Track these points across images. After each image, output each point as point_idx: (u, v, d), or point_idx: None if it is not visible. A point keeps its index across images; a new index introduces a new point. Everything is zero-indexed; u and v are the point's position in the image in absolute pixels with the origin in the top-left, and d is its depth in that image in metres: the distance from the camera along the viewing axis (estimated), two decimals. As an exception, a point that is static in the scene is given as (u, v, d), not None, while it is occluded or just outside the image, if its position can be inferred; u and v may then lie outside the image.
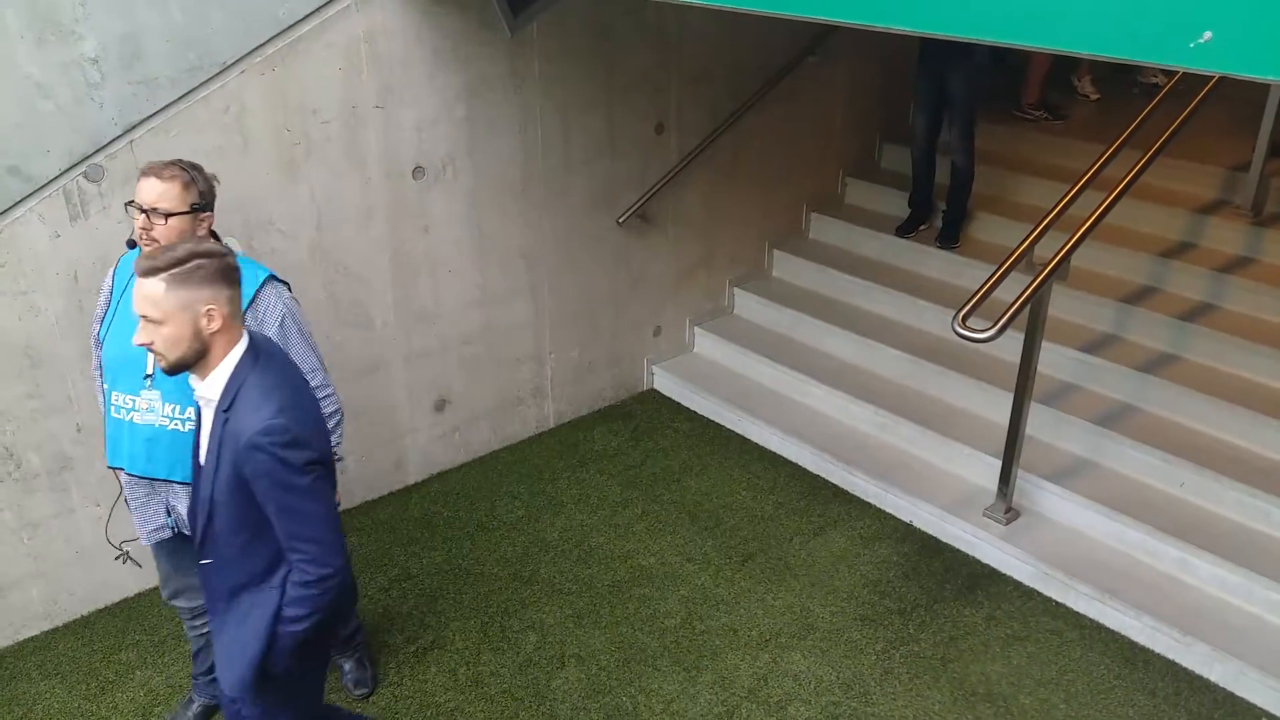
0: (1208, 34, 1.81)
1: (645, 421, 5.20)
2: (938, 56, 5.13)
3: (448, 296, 4.43)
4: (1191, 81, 4.01)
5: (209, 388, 2.28)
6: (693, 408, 5.31)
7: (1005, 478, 4.12)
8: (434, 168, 4.18)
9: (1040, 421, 4.37)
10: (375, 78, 3.89)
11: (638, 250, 5.15)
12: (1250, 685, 3.46)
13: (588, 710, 3.43)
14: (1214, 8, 1.80)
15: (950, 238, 5.35)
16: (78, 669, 3.61)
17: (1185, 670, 3.59)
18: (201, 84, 3.51)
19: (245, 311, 2.71)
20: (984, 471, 4.36)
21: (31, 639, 3.74)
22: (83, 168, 3.37)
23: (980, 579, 4.06)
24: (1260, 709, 3.43)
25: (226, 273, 2.22)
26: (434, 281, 4.36)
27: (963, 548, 4.22)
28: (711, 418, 5.22)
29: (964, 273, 5.22)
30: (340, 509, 4.37)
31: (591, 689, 3.52)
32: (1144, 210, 5.08)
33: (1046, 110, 6.15)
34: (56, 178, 3.34)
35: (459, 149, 4.23)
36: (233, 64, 3.56)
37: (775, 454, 4.89)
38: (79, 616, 3.84)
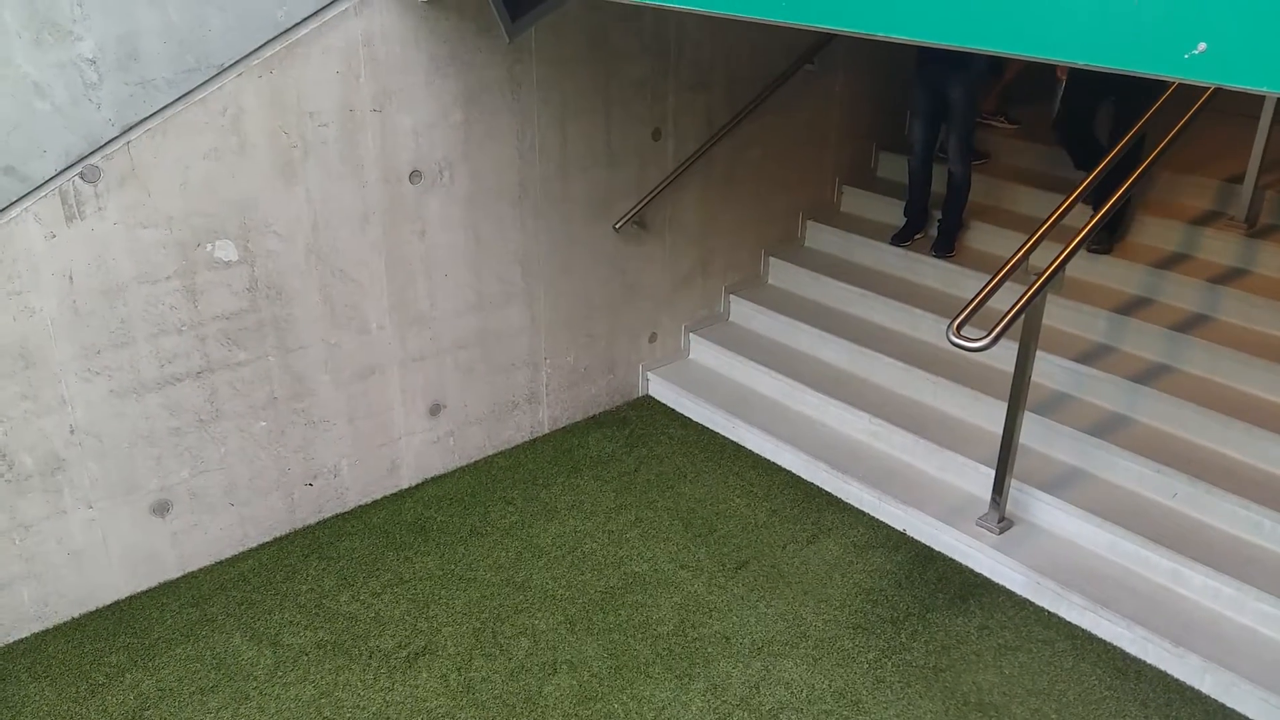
0: (1202, 45, 1.82)
1: (640, 428, 5.20)
2: (937, 65, 5.14)
3: (443, 301, 4.43)
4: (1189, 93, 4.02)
5: None
6: (688, 414, 5.31)
7: (999, 487, 4.13)
8: (431, 172, 4.18)
9: (1034, 431, 4.38)
10: (373, 81, 3.89)
11: (634, 257, 5.15)
12: (1242, 696, 3.47)
13: (579, 717, 3.42)
14: (1209, 19, 1.81)
15: (945, 247, 5.36)
16: (68, 671, 3.59)
17: (1177, 681, 3.60)
18: (199, 86, 3.51)
19: None
20: (977, 480, 4.37)
21: (21, 641, 3.73)
22: (79, 168, 3.36)
23: (973, 588, 4.06)
24: (1251, 720, 3.44)
25: None
26: (430, 286, 4.36)
27: (956, 557, 4.22)
28: (706, 424, 5.22)
29: (959, 282, 5.23)
30: (334, 513, 4.39)
31: (583, 696, 3.51)
32: (1139, 221, 5.10)
33: (1005, 117, 6.24)
34: (53, 178, 3.33)
35: (456, 154, 4.23)
36: (230, 66, 3.56)
37: (769, 461, 4.89)
38: (70, 619, 3.83)
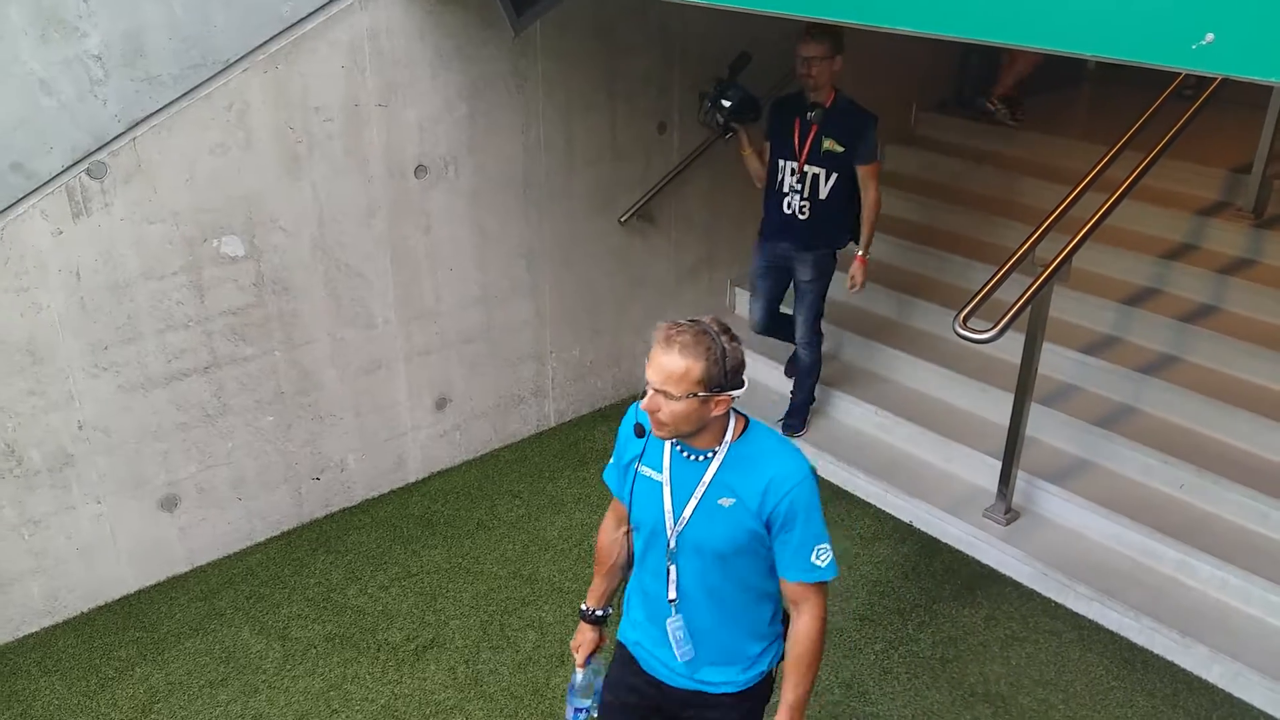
0: (1210, 36, 1.81)
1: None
2: (785, 241, 4.48)
3: (449, 295, 4.44)
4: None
5: None
6: (693, 407, 5.30)
7: (1005, 478, 4.13)
8: (436, 166, 4.18)
9: (1040, 422, 4.37)
10: (378, 76, 3.89)
11: (639, 250, 5.15)
12: (1248, 686, 3.47)
13: (587, 709, 3.43)
14: (1216, 10, 1.80)
15: (796, 427, 4.77)
16: (77, 665, 3.61)
17: (1184, 671, 3.60)
18: (204, 81, 3.52)
19: None
20: (984, 472, 4.36)
21: (31, 635, 3.75)
22: (85, 165, 3.37)
23: (980, 579, 4.06)
24: (1258, 710, 3.43)
25: None
26: (435, 280, 4.37)
27: (962, 548, 4.22)
28: (712, 417, 5.20)
29: (965, 274, 5.22)
30: (341, 507, 4.40)
31: (591, 687, 3.52)
32: (1145, 212, 5.08)
33: (1009, 107, 6.17)
34: (59, 174, 3.34)
35: (461, 148, 4.23)
36: (236, 61, 3.56)
37: (775, 454, 4.88)
38: (79, 613, 3.85)
